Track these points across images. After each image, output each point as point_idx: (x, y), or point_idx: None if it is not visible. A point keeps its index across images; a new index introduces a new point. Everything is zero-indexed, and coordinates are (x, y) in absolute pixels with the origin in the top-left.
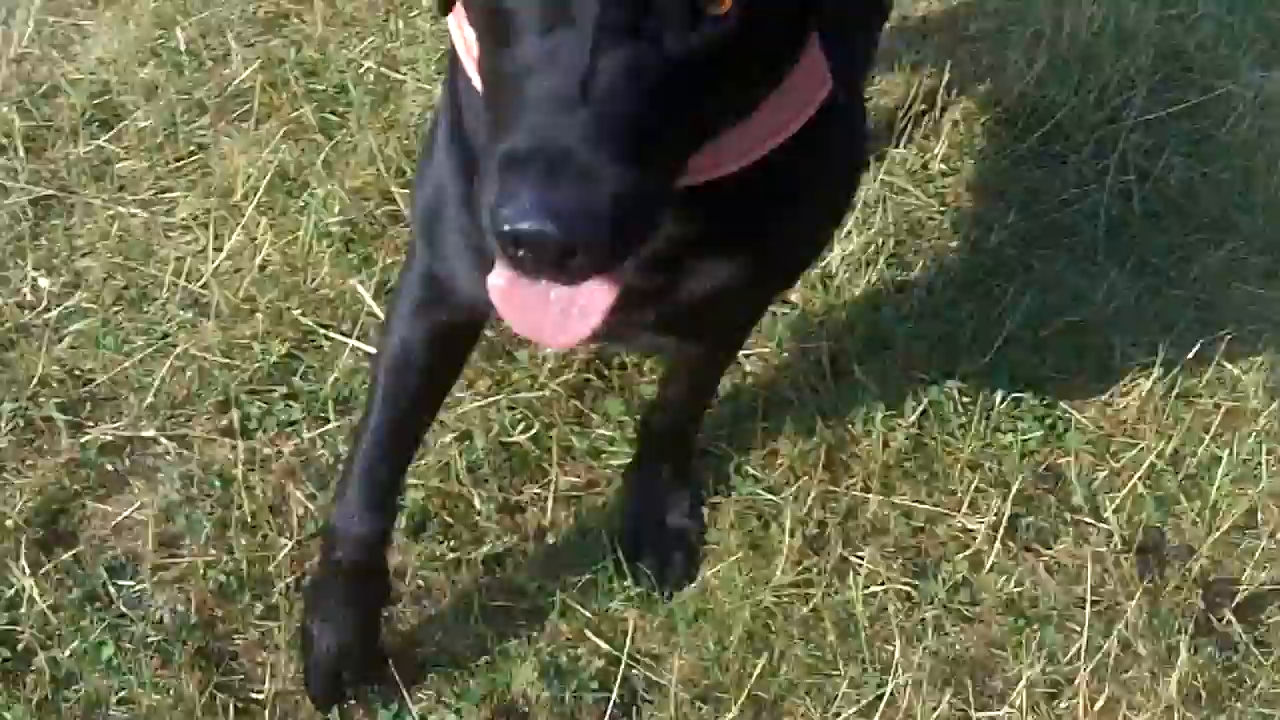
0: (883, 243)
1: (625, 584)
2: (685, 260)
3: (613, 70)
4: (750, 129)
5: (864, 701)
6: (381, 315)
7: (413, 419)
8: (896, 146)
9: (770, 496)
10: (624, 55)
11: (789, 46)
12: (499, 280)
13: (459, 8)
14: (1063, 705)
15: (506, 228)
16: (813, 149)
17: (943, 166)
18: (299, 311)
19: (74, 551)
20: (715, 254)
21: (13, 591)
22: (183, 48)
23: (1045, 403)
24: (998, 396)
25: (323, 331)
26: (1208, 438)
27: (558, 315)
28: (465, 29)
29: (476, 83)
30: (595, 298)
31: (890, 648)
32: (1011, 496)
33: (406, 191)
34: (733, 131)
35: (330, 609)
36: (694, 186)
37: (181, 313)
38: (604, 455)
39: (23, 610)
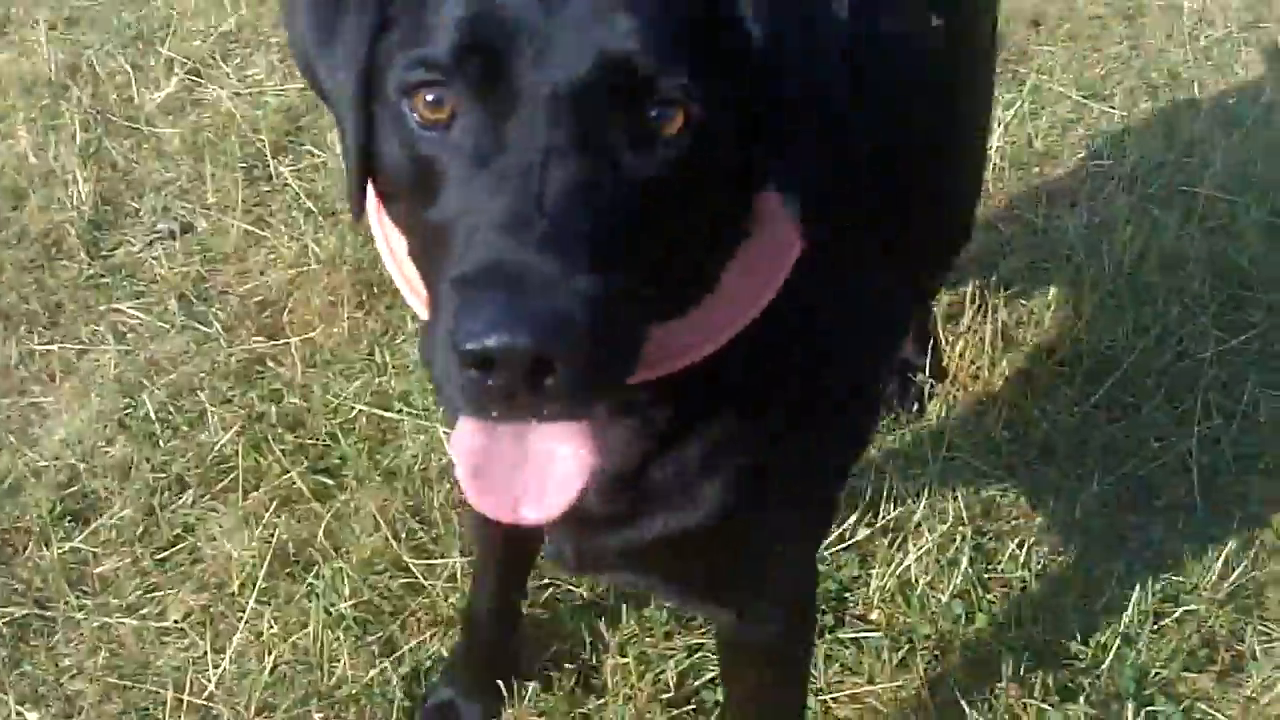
0: (961, 537)
1: None
2: (652, 476)
3: (564, 183)
4: (715, 306)
5: None
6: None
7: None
8: (948, 416)
9: None
10: (574, 170)
11: (743, 176)
12: (465, 445)
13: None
14: None
15: (470, 345)
16: (811, 330)
17: (1005, 433)
18: (321, 717)
19: None
20: (687, 474)
21: None
22: (153, 415)
23: (1184, 708)
24: (1129, 710)
25: None
26: None
27: (533, 486)
28: (386, 226)
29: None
30: (574, 463)
31: None
32: None
33: (420, 562)
34: (694, 309)
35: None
36: (657, 382)
37: None
38: None
39: None
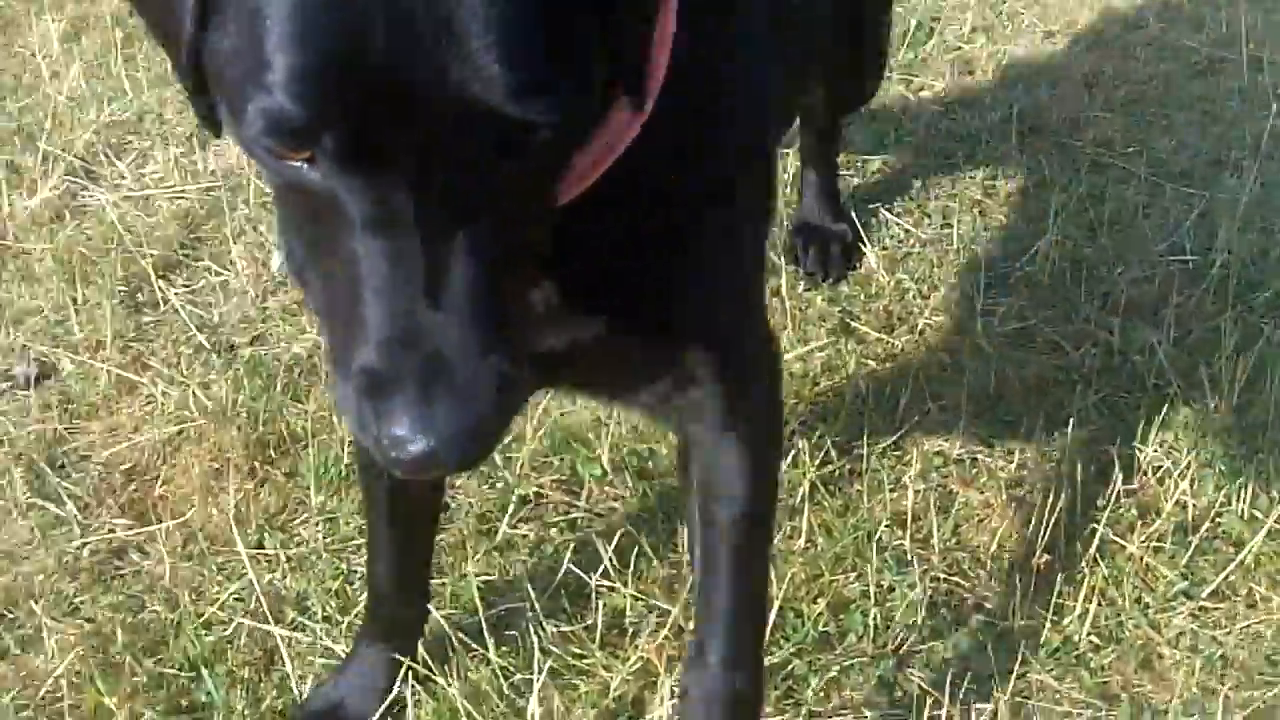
0: None
1: None
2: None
3: (453, 259)
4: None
5: None
6: None
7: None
8: None
9: None
10: (458, 242)
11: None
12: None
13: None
14: None
15: (395, 455)
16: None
17: None
18: None
19: None
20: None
21: None
22: None
23: None
24: None
25: None
26: None
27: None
28: None
29: None
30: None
31: None
32: None
33: None
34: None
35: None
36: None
37: None
38: None
39: None
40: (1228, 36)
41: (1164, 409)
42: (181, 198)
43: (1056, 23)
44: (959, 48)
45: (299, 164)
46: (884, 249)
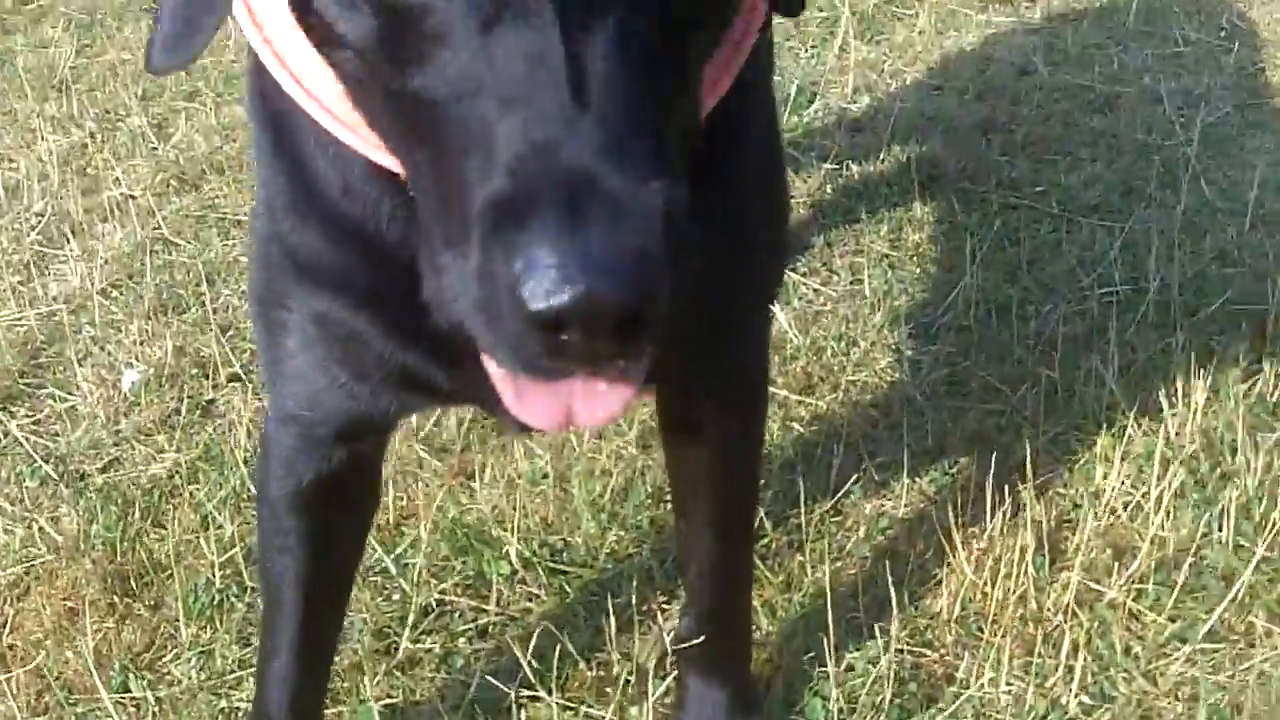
0: None
1: None
2: None
3: (603, 56)
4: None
5: None
6: None
7: (311, 608)
8: None
9: None
10: (607, 35)
11: None
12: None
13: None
14: None
15: (541, 305)
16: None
17: None
18: None
19: None
20: None
21: None
22: None
23: None
24: None
25: None
26: None
27: (587, 388)
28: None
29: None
30: (617, 387)
31: None
32: None
33: None
34: None
35: None
36: None
37: None
38: None
39: None
40: (1119, 72)
41: (1122, 441)
42: (19, 323)
43: (941, 78)
44: (845, 109)
45: None
46: (793, 309)
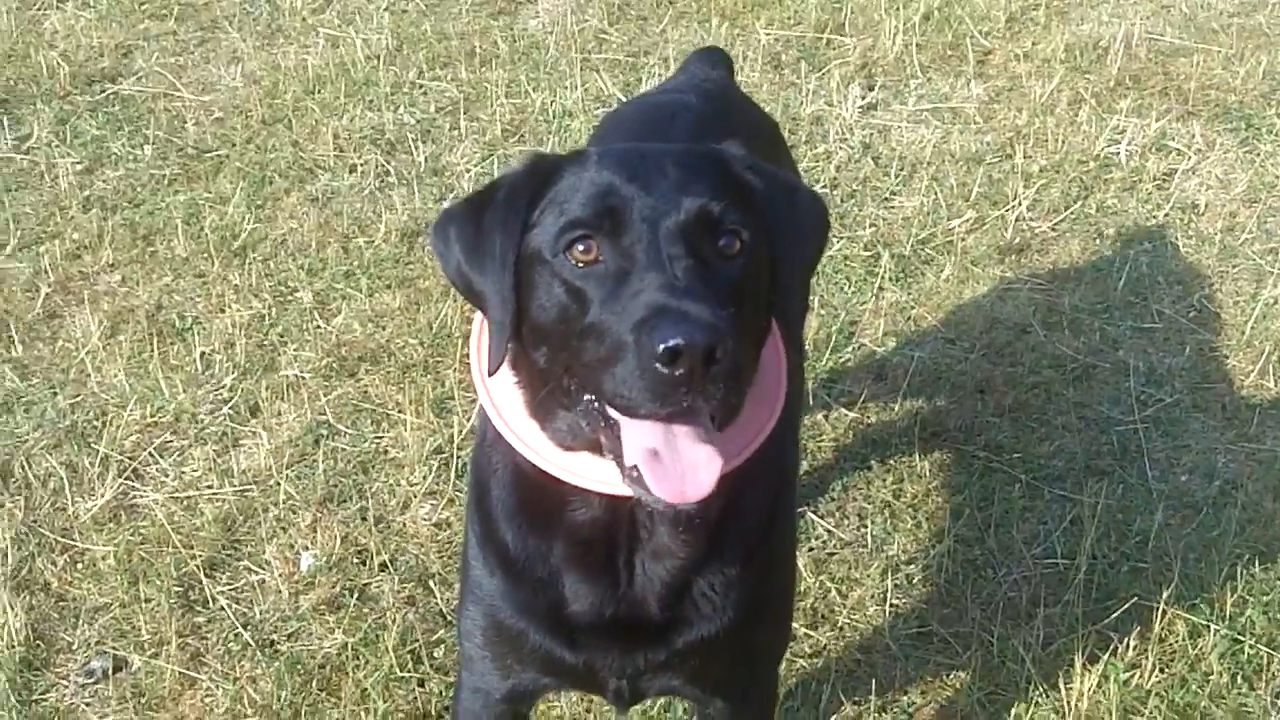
0: None
1: None
2: (691, 591)
3: (688, 268)
4: (744, 423)
5: None
6: None
7: None
8: None
9: None
10: (691, 263)
11: (768, 297)
12: (642, 444)
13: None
14: None
15: (668, 343)
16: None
17: None
18: None
19: None
20: (713, 587)
21: None
22: None
23: None
24: None
25: None
26: None
27: (689, 478)
28: (502, 404)
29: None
30: (711, 461)
31: None
32: None
33: None
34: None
35: None
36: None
37: None
38: None
39: None
40: (1100, 343)
41: (1030, 711)
42: (219, 498)
43: (955, 330)
44: (874, 353)
45: (587, 268)
46: (810, 550)
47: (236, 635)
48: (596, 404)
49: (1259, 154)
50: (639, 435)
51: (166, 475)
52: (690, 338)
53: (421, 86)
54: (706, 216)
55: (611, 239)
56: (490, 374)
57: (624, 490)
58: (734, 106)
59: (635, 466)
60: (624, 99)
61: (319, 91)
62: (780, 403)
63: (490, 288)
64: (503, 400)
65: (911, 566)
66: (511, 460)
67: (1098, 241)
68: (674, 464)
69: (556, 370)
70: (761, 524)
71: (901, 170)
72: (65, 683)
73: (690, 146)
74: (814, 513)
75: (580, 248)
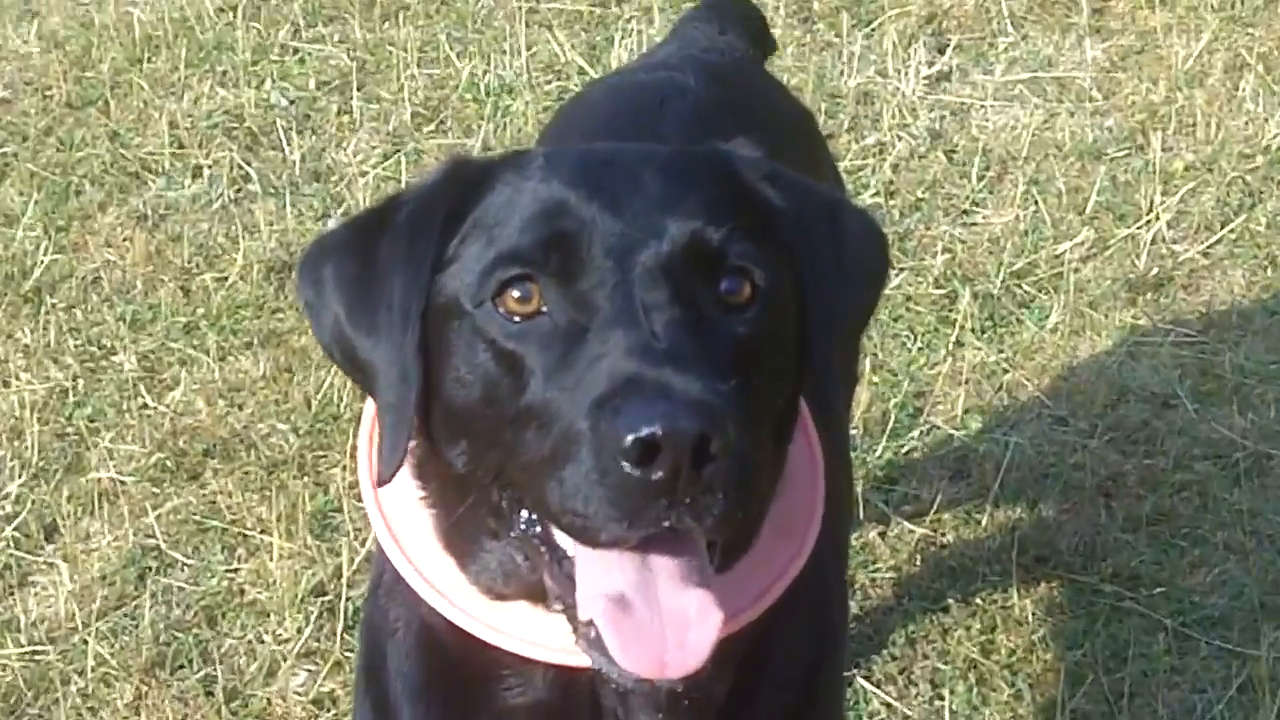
0: None
1: None
2: None
3: (672, 322)
4: (763, 561)
5: None
6: None
7: None
8: None
9: None
10: (677, 314)
11: (795, 364)
12: (600, 590)
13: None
14: None
15: (636, 434)
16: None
17: None
18: None
19: None
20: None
21: None
22: None
23: None
24: None
25: None
26: None
27: (672, 641)
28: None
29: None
30: (705, 615)
31: None
32: None
33: None
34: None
35: None
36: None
37: None
38: None
39: None
40: (1277, 421)
41: None
42: None
43: (1066, 404)
44: (949, 438)
45: (525, 323)
46: None
47: None
48: (539, 527)
49: None
50: (600, 574)
51: None
52: (672, 424)
53: (297, 51)
54: (702, 248)
55: (562, 281)
56: (382, 483)
57: (580, 658)
58: (750, 89)
59: (593, 622)
60: (590, 74)
61: (149, 60)
62: (816, 524)
63: (383, 356)
64: (403, 524)
65: None
66: (417, 614)
67: (1270, 272)
68: (651, 619)
69: (481, 477)
70: (793, 705)
71: (987, 170)
72: None
73: (681, 148)
74: (867, 679)
75: (516, 294)
